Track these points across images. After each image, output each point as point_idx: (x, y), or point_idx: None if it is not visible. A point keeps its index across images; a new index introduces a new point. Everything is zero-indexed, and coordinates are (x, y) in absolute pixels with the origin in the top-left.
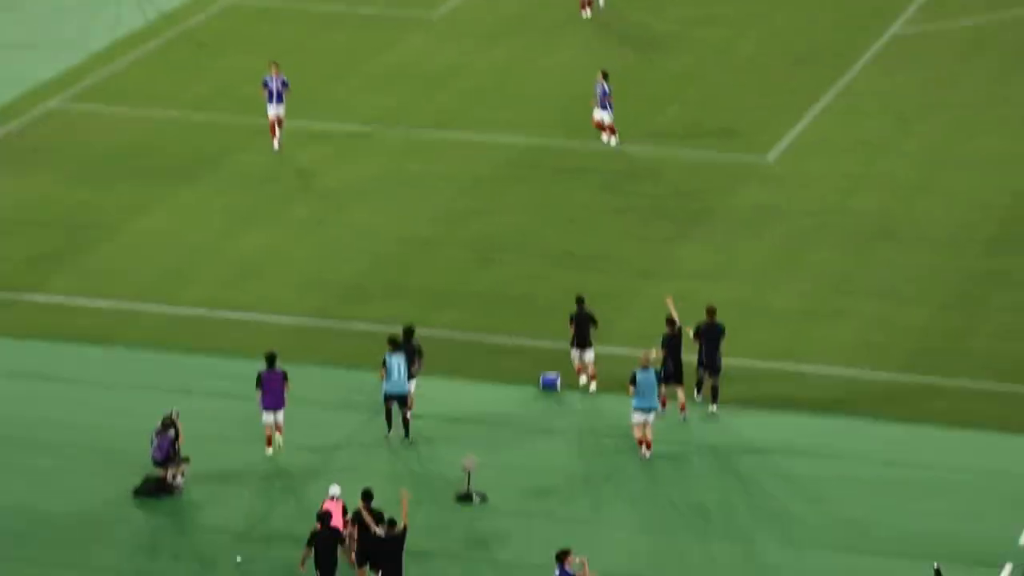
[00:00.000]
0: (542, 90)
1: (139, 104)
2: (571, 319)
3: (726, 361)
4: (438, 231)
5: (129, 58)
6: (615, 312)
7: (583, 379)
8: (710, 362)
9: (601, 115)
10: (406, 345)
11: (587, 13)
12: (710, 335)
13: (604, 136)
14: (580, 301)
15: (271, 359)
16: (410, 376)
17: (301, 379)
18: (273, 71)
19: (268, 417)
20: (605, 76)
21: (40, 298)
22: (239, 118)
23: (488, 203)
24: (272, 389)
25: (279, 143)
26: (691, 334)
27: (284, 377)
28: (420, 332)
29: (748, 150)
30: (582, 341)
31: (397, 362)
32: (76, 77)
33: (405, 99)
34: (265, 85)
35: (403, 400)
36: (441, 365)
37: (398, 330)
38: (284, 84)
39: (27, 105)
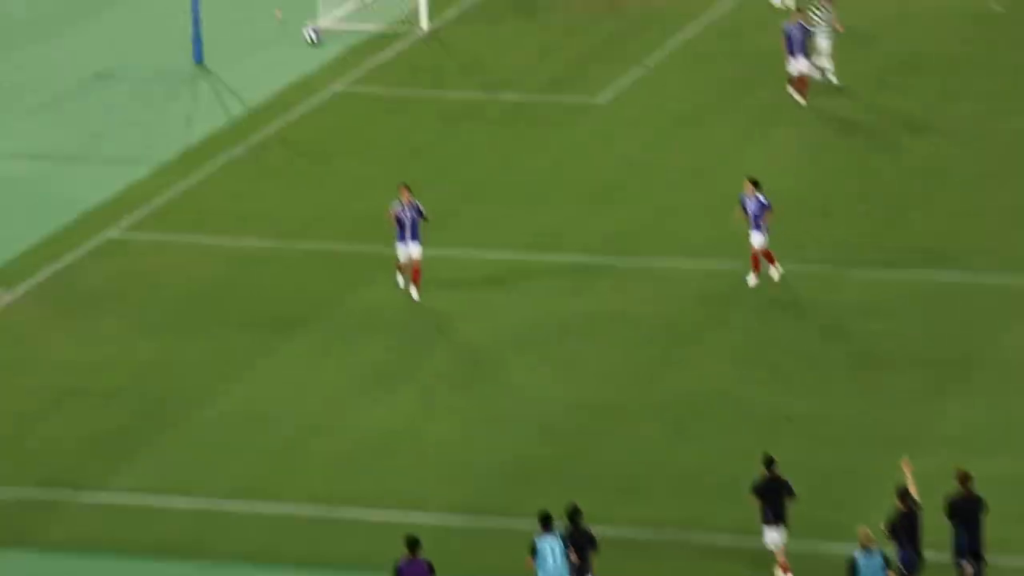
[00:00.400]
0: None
1: (222, 230)
2: (755, 490)
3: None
4: (619, 394)
5: (206, 170)
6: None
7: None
8: (972, 548)
9: (756, 238)
10: (572, 527)
11: (803, 100)
12: (967, 511)
13: (764, 272)
14: (769, 464)
15: (413, 544)
16: (579, 572)
17: None
18: (404, 197)
19: None
20: (756, 185)
21: (101, 497)
22: (355, 246)
23: (681, 353)
24: None
25: (415, 292)
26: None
27: (429, 569)
28: (603, 532)
29: None
30: (776, 516)
31: (551, 547)
32: (140, 197)
33: (568, 215)
34: (396, 219)
35: None
36: (633, 573)
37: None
38: (419, 213)
39: (79, 236)
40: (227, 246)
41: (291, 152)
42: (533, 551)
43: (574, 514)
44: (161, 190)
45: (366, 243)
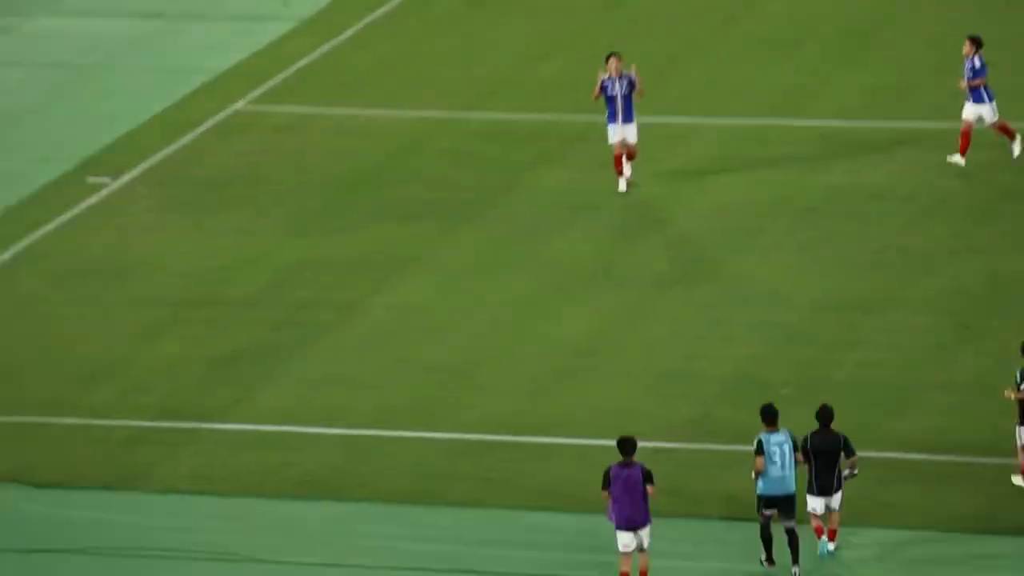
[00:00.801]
0: None
1: (376, 101)
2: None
3: None
4: (886, 286)
5: (355, 27)
6: None
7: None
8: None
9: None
10: (819, 431)
11: None
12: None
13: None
14: (824, 413)
15: (627, 446)
16: (822, 488)
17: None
18: (613, 67)
19: (627, 539)
20: (977, 45)
21: (230, 430)
22: (538, 116)
23: (962, 238)
24: (629, 495)
25: (627, 182)
26: None
27: (647, 476)
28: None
29: None
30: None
31: (779, 445)
32: (274, 62)
33: (814, 70)
34: (604, 91)
35: (789, 510)
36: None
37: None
38: (632, 85)
39: (199, 109)
40: (382, 119)
41: (460, 1)
42: (760, 449)
43: (823, 415)
44: (300, 52)
45: (551, 112)
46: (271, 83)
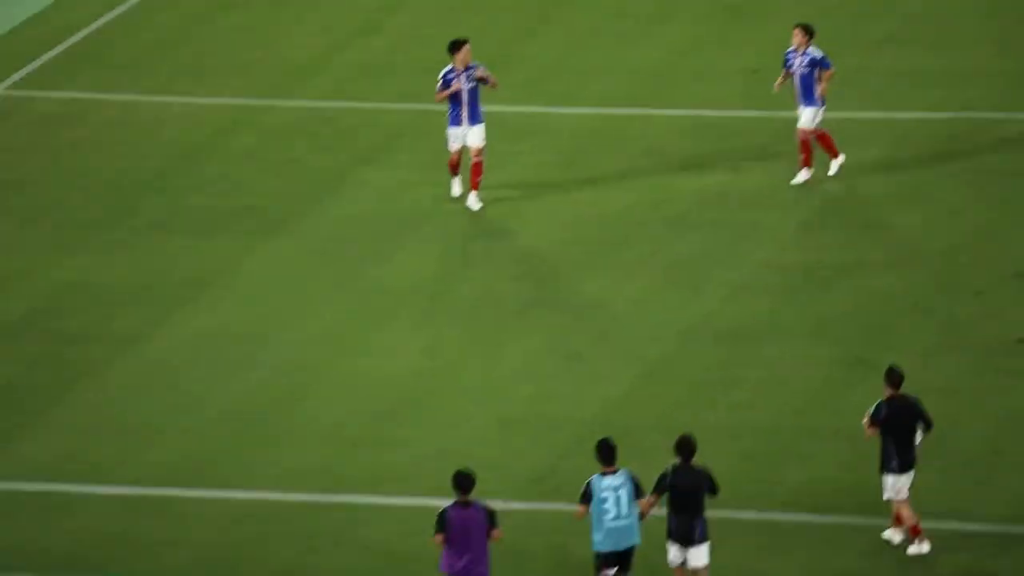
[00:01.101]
0: None
1: (156, 86)
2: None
3: None
4: (766, 311)
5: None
6: None
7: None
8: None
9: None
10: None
11: None
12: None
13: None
14: (685, 445)
15: (464, 483)
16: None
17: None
18: (462, 57)
19: None
20: (810, 35)
21: None
22: (366, 104)
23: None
24: (468, 540)
25: (475, 199)
26: None
27: (490, 518)
28: None
29: None
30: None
31: (614, 489)
32: (33, 40)
33: (683, 49)
34: (446, 84)
35: (627, 561)
36: None
37: None
38: (482, 79)
39: None
40: (171, 110)
41: None
42: (586, 495)
43: (684, 447)
44: (70, 27)
45: (373, 100)
46: (35, 64)
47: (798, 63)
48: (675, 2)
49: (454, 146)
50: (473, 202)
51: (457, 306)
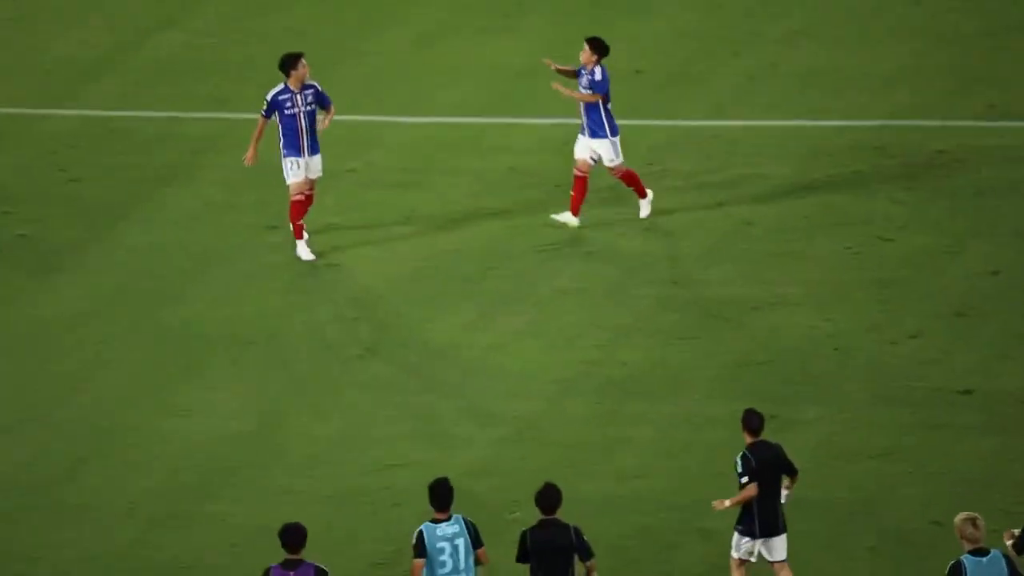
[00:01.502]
0: None
1: None
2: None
3: None
4: (659, 358)
5: None
6: None
7: None
8: None
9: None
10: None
11: None
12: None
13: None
14: (547, 496)
15: (293, 538)
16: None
17: None
18: (299, 75)
19: None
20: (600, 51)
21: None
22: (166, 113)
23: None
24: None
25: (307, 249)
26: None
27: None
28: None
29: None
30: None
31: (449, 540)
32: None
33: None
34: (278, 109)
35: None
36: None
37: None
38: (320, 99)
39: None
40: None
41: None
42: (420, 548)
43: (546, 498)
44: None
45: (174, 108)
46: None
47: (585, 84)
48: None
49: (296, 178)
50: (304, 252)
51: (280, 354)
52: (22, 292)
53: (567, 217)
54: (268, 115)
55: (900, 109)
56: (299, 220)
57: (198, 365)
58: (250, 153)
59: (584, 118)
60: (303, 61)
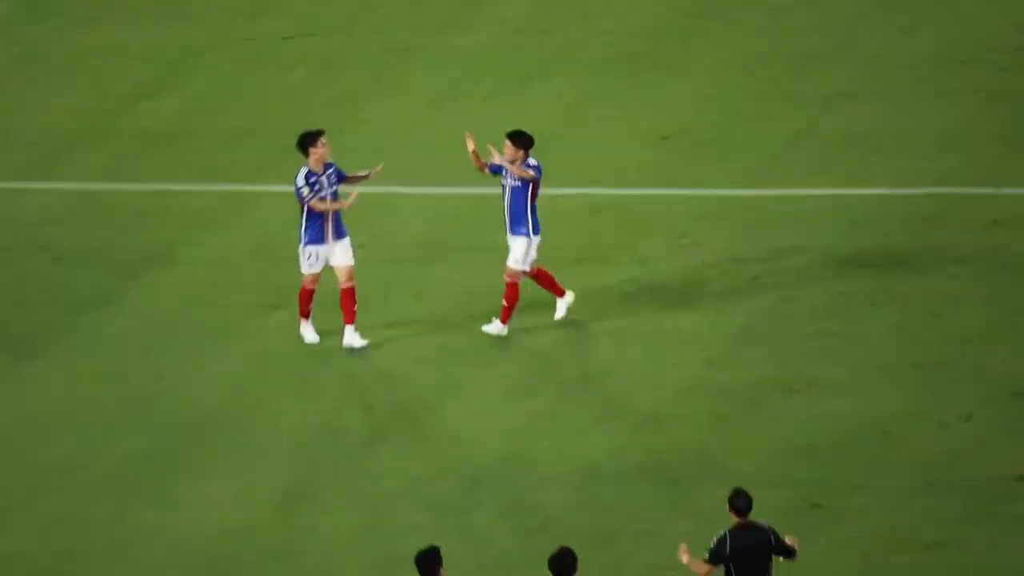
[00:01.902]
0: None
1: None
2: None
3: None
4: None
5: None
6: None
7: None
8: None
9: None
10: None
11: None
12: None
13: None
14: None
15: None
16: None
17: None
18: (316, 158)
19: None
20: (525, 145)
21: None
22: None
23: None
24: None
25: (355, 338)
26: None
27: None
28: None
29: None
30: None
31: None
32: None
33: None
34: (311, 187)
35: None
36: None
37: None
38: (339, 176)
39: None
40: None
41: None
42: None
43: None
44: None
45: (159, 180)
46: None
47: (510, 177)
48: (557, 52)
49: (312, 269)
50: (355, 339)
51: (287, 442)
52: (2, 379)
53: (496, 326)
54: (311, 195)
55: (950, 175)
56: (307, 307)
57: (196, 455)
58: (351, 198)
59: (507, 211)
60: (323, 140)
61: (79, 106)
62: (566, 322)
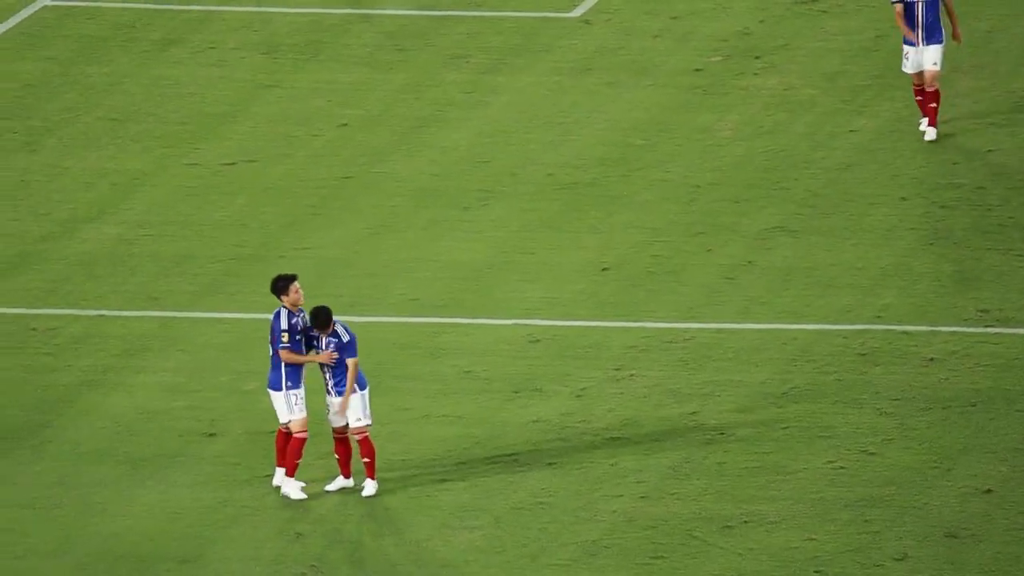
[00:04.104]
0: None
1: None
2: None
3: None
4: None
5: None
6: None
7: None
8: None
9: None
10: None
11: None
12: None
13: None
14: None
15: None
16: None
17: None
18: (290, 302)
19: None
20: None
21: None
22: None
23: None
24: None
25: (298, 487)
26: None
27: None
28: None
29: None
30: None
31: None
32: None
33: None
34: (290, 332)
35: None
36: None
37: None
38: (306, 322)
39: None
40: None
41: None
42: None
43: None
44: None
45: (97, 306)
46: None
47: (333, 347)
48: (497, 181)
49: (303, 413)
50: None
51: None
52: None
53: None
54: (289, 342)
55: (886, 312)
56: (298, 459)
57: None
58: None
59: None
60: (295, 285)
61: (20, 230)
62: (500, 455)
